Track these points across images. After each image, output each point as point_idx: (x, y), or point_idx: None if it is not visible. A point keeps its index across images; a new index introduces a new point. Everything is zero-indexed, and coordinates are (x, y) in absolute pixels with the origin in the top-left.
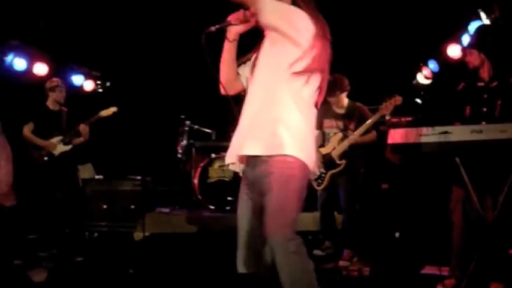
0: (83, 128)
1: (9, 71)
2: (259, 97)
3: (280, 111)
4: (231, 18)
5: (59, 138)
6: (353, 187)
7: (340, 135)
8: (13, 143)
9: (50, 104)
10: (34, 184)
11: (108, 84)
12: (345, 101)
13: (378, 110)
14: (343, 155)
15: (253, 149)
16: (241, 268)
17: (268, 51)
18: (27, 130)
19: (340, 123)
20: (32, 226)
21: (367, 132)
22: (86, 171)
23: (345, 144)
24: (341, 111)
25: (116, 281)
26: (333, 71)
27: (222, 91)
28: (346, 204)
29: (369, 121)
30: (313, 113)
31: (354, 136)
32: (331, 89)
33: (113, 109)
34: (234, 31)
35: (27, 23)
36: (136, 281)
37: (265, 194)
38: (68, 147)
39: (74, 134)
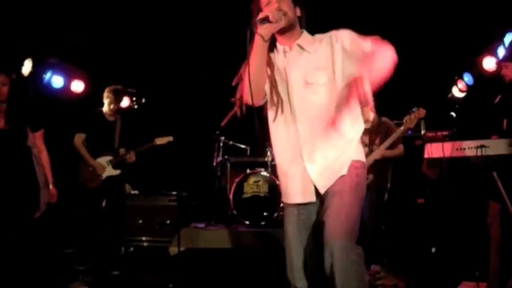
0: (130, 157)
1: (48, 88)
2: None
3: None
4: (271, 15)
5: (109, 158)
6: (378, 202)
7: (365, 149)
8: (57, 156)
9: (107, 112)
10: (76, 198)
11: (143, 100)
12: (371, 115)
13: (402, 123)
14: (368, 170)
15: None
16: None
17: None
18: (78, 140)
19: (366, 138)
20: (69, 240)
21: (393, 146)
22: None
23: (371, 158)
24: (366, 125)
25: None
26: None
27: (249, 100)
28: (370, 219)
29: (393, 135)
30: None
31: (380, 150)
32: None
33: (168, 138)
34: (269, 30)
35: (64, 40)
36: None
37: (336, 196)
38: (116, 172)
39: (123, 160)
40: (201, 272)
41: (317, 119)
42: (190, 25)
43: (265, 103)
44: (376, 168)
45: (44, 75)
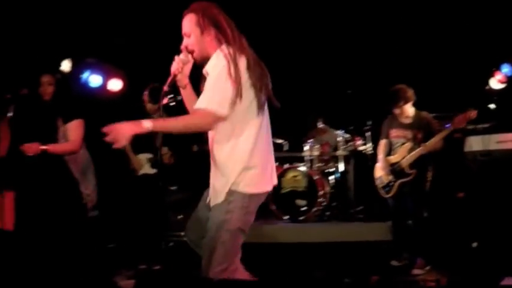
0: (169, 158)
1: (85, 87)
2: None
3: None
4: (174, 70)
5: (149, 156)
6: (420, 195)
7: (409, 145)
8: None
9: (150, 110)
10: (117, 194)
11: (179, 98)
12: (411, 111)
13: (449, 118)
14: (413, 165)
15: None
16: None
17: None
18: None
19: (408, 133)
20: (111, 235)
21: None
22: None
23: (416, 154)
24: (408, 121)
25: None
26: (406, 80)
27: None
28: (414, 212)
29: (443, 133)
30: None
31: (426, 147)
32: (395, 100)
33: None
34: (182, 78)
35: (104, 40)
36: None
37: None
38: (153, 171)
39: (162, 159)
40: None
41: (212, 138)
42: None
43: None
44: (419, 163)
45: (81, 75)
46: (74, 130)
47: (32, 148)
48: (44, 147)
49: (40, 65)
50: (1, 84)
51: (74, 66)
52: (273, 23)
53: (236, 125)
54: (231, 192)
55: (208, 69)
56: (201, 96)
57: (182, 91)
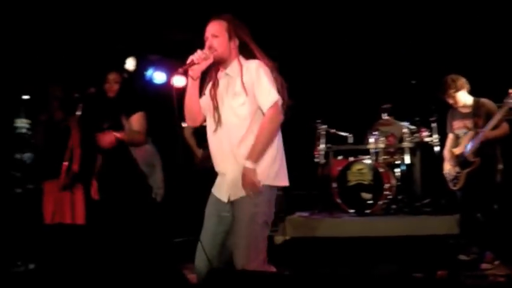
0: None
1: (150, 84)
2: None
3: None
4: (196, 58)
5: None
6: (489, 185)
7: (471, 133)
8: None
9: None
10: (183, 188)
11: None
12: (468, 99)
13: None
14: (476, 153)
15: None
16: None
17: None
18: (188, 132)
19: (468, 122)
20: (178, 229)
21: (497, 126)
22: None
23: (477, 142)
24: (466, 110)
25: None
26: (464, 68)
27: (191, 123)
28: (483, 203)
29: (497, 115)
30: None
31: (484, 132)
32: (445, 89)
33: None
34: (197, 70)
35: (166, 37)
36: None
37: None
38: None
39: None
40: (307, 260)
41: (229, 134)
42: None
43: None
44: (484, 151)
45: (146, 72)
46: (136, 122)
47: (106, 138)
48: (117, 134)
49: (106, 63)
50: (69, 83)
51: (138, 64)
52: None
53: None
54: None
55: (251, 71)
56: (262, 96)
57: (191, 83)
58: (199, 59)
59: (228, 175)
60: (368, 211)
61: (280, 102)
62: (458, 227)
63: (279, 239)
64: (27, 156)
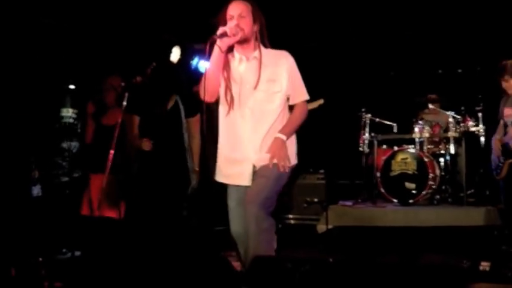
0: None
1: (196, 73)
2: None
3: None
4: (229, 30)
5: None
6: None
7: None
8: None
9: None
10: None
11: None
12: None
13: None
14: None
15: None
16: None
17: None
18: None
19: None
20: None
21: None
22: None
23: None
24: None
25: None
26: None
27: (206, 98)
28: None
29: None
30: None
31: None
32: (500, 73)
33: (319, 101)
34: (226, 42)
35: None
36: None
37: (261, 177)
38: None
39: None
40: (349, 250)
41: (261, 119)
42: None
43: (218, 99)
44: None
45: (191, 61)
46: (194, 124)
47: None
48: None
49: (151, 53)
50: (116, 73)
51: (183, 53)
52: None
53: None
54: None
55: (289, 62)
56: (300, 89)
57: (218, 54)
58: (231, 32)
59: (249, 162)
60: (411, 201)
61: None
62: (501, 218)
63: (321, 227)
64: (73, 145)
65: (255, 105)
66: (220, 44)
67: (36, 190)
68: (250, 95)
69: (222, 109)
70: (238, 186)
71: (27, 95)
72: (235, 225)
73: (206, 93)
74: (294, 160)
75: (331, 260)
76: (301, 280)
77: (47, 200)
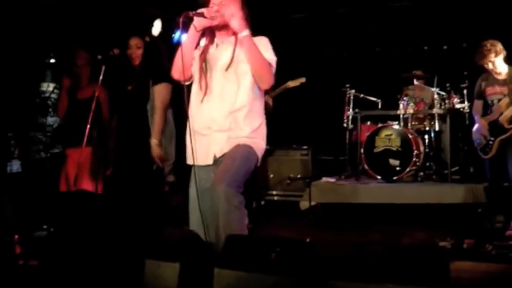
0: (267, 99)
1: (178, 47)
2: None
3: None
4: (206, 11)
5: None
6: None
7: (506, 99)
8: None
9: None
10: None
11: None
12: (503, 66)
13: None
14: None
15: None
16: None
17: None
18: None
19: (504, 89)
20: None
21: None
22: None
23: None
24: (501, 77)
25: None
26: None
27: (177, 76)
28: None
29: None
30: None
31: None
32: (484, 54)
33: (300, 80)
34: (202, 23)
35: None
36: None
37: (229, 157)
38: None
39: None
40: (332, 226)
41: (227, 99)
42: None
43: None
44: None
45: (173, 35)
46: (159, 94)
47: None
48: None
49: (131, 26)
50: (94, 47)
51: (164, 26)
52: None
53: None
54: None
55: (258, 44)
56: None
57: (192, 33)
58: (209, 14)
59: (216, 143)
60: (395, 178)
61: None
62: (486, 196)
63: (304, 204)
64: (52, 120)
65: (223, 86)
66: (196, 24)
67: (16, 166)
68: (221, 77)
69: (195, 92)
70: (204, 167)
71: (6, 70)
72: (195, 212)
73: (174, 71)
74: (263, 144)
75: (308, 240)
76: (277, 260)
77: (27, 176)
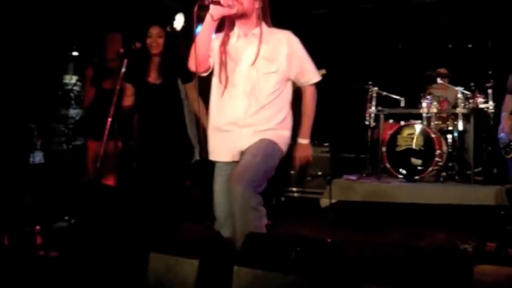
0: None
1: None
2: None
3: None
4: (223, 0)
5: None
6: None
7: None
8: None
9: None
10: None
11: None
12: None
13: None
14: None
15: None
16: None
17: None
18: None
19: None
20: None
21: None
22: None
23: None
24: None
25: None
26: None
27: (193, 67)
28: None
29: None
30: None
31: None
32: None
33: (322, 71)
34: (219, 12)
35: None
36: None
37: (249, 154)
38: None
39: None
40: (352, 225)
41: (254, 98)
42: None
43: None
44: None
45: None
46: (192, 91)
47: None
48: None
49: (153, 20)
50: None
51: (186, 21)
52: None
53: None
54: None
55: (292, 43)
56: (309, 72)
57: (209, 22)
58: (225, 2)
59: (239, 139)
60: (417, 177)
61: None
62: (508, 198)
63: (324, 201)
64: (74, 112)
65: (249, 84)
66: (213, 12)
67: (39, 157)
68: (245, 73)
69: (215, 85)
70: (226, 163)
71: (30, 62)
72: (220, 206)
73: (196, 63)
74: (288, 135)
75: (329, 240)
76: (297, 259)
77: (49, 167)
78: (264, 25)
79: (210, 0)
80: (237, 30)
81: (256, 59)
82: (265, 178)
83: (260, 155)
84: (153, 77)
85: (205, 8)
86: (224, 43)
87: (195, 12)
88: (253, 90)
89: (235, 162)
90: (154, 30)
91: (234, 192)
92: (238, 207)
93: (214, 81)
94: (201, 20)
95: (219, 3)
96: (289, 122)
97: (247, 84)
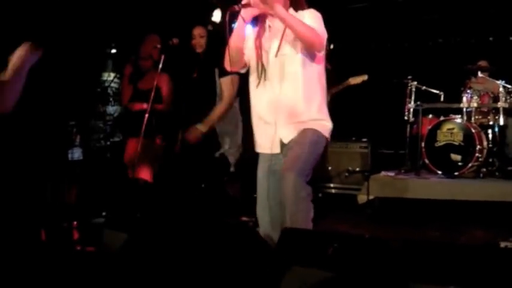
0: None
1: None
2: None
3: None
4: (252, 2)
5: None
6: None
7: None
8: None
9: None
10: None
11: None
12: None
13: None
14: None
15: None
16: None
17: None
18: None
19: None
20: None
21: None
22: None
23: None
24: None
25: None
26: None
27: (228, 67)
28: None
29: None
30: None
31: None
32: None
33: (362, 77)
34: (250, 13)
35: None
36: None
37: (296, 144)
38: None
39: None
40: (390, 221)
41: (288, 84)
42: None
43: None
44: None
45: (232, 24)
46: (226, 86)
47: (192, 135)
48: (202, 129)
49: (190, 16)
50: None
51: (223, 15)
52: None
53: None
54: None
55: (305, 17)
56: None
57: (240, 24)
58: (255, 3)
59: (281, 130)
60: (457, 173)
61: (323, 39)
62: None
63: (362, 198)
64: (112, 109)
65: (280, 73)
66: (244, 15)
67: (77, 154)
68: (275, 63)
69: (253, 79)
70: (269, 155)
71: (69, 60)
72: (262, 198)
73: (230, 63)
74: (329, 123)
75: (366, 236)
76: (334, 255)
77: (87, 163)
78: (291, 10)
79: (241, 5)
80: (268, 22)
81: (280, 46)
82: (312, 166)
83: (308, 144)
84: (196, 73)
85: (237, 13)
86: (259, 37)
87: (227, 22)
88: (283, 78)
89: (277, 155)
90: (197, 31)
91: (285, 179)
92: (289, 197)
93: (253, 76)
94: (234, 17)
95: (248, 6)
96: (325, 107)
97: (277, 72)
